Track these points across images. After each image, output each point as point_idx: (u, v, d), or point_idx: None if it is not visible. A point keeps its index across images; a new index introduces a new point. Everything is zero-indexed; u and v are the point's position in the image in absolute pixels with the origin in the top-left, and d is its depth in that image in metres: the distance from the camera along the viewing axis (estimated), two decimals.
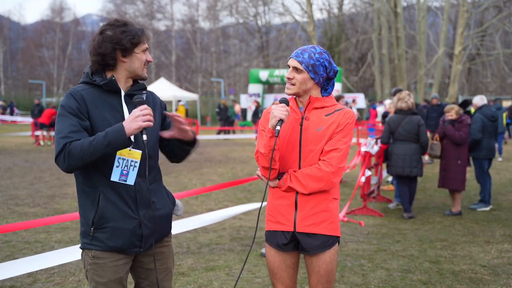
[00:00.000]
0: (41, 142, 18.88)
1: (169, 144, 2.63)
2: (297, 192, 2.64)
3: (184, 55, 54.37)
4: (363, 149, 7.91)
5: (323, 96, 2.72)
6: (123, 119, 2.41)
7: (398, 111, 7.36)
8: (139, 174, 2.43)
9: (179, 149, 2.65)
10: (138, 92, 2.52)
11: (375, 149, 7.96)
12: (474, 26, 35.26)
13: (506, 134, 18.79)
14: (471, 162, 8.11)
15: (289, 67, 2.67)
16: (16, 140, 21.31)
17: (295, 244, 2.70)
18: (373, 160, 8.61)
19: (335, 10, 45.36)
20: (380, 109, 21.92)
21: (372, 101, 29.80)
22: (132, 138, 2.36)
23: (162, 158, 2.68)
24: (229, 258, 5.32)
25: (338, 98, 9.24)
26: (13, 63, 61.72)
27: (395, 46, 30.08)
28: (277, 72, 29.53)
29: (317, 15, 75.48)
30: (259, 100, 27.74)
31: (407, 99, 7.28)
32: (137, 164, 2.43)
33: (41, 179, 10.42)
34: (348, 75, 41.32)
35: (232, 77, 50.23)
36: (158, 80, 31.61)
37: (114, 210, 2.38)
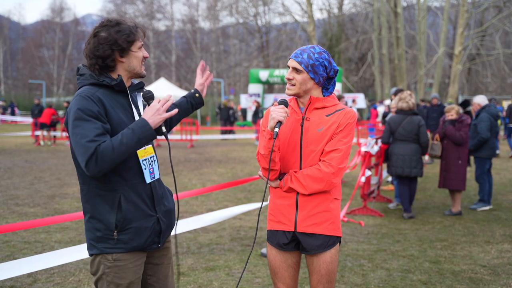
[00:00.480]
0: (41, 142, 18.89)
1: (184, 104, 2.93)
2: (297, 192, 2.65)
3: (184, 55, 54.37)
4: (363, 149, 7.91)
5: (324, 95, 2.72)
6: (133, 118, 2.45)
7: (399, 111, 7.36)
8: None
9: (189, 107, 2.95)
10: (138, 91, 2.56)
11: (375, 149, 7.96)
12: (474, 26, 35.26)
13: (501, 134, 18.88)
14: (472, 162, 8.11)
15: (289, 68, 2.67)
16: (16, 140, 21.32)
17: (296, 244, 2.71)
18: (373, 160, 8.61)
19: (335, 10, 45.42)
20: (380, 109, 21.95)
21: (373, 101, 29.81)
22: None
23: (161, 158, 2.70)
24: (229, 258, 5.32)
25: (339, 98, 9.24)
26: (13, 63, 61.71)
27: (395, 46, 30.08)
28: (277, 72, 29.55)
29: (317, 15, 75.56)
30: (259, 100, 27.76)
31: (408, 99, 7.27)
32: (155, 157, 2.54)
33: (41, 179, 10.42)
34: (348, 75, 41.33)
35: (232, 77, 50.24)
36: (158, 80, 31.61)
37: (134, 210, 2.40)
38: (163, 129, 2.44)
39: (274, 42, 46.42)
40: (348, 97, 30.01)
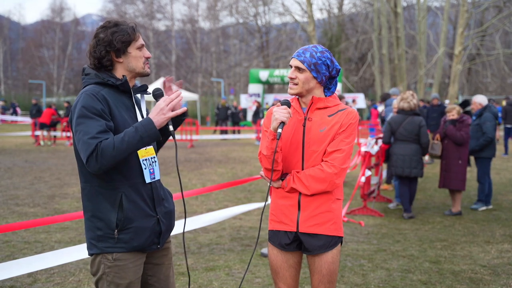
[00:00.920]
0: (41, 142, 18.88)
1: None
2: (300, 193, 2.65)
3: (184, 55, 54.37)
4: (363, 149, 7.91)
5: (326, 95, 2.71)
6: (136, 118, 2.47)
7: (400, 111, 7.35)
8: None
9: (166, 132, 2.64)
10: (141, 93, 2.57)
11: (375, 149, 7.96)
12: (474, 26, 35.25)
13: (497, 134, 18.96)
14: (472, 162, 8.09)
15: (291, 67, 2.67)
16: (16, 140, 21.31)
17: (298, 244, 2.71)
18: (373, 160, 8.61)
19: (335, 10, 45.41)
20: (380, 109, 21.93)
21: (374, 101, 29.80)
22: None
23: (161, 159, 2.70)
24: (229, 258, 5.32)
25: (340, 99, 9.23)
26: (13, 63, 61.71)
27: (395, 46, 30.07)
28: (277, 72, 29.55)
29: (317, 15, 75.55)
30: (259, 100, 27.76)
31: (410, 99, 7.25)
32: (156, 159, 2.53)
33: (41, 179, 10.42)
34: (348, 75, 41.32)
35: (232, 77, 50.23)
36: (158, 80, 31.64)
37: (135, 210, 2.40)
38: (171, 127, 2.44)
39: (274, 42, 46.41)
40: (348, 97, 30.01)
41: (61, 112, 24.89)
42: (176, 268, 4.92)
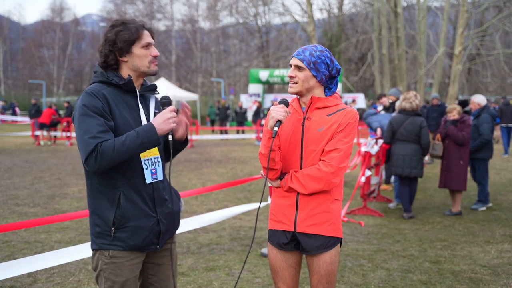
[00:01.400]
0: (41, 142, 18.88)
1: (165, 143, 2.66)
2: (298, 192, 2.64)
3: (184, 55, 54.37)
4: (363, 149, 7.91)
5: (326, 95, 2.71)
6: (139, 118, 2.47)
7: (402, 110, 7.34)
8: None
9: (174, 148, 2.64)
10: (150, 92, 2.57)
11: (375, 149, 7.96)
12: (474, 26, 35.24)
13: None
14: (472, 162, 8.07)
15: (291, 67, 2.67)
16: (16, 140, 21.31)
17: (296, 243, 2.70)
18: (373, 160, 8.61)
19: (335, 10, 45.42)
20: (380, 109, 21.92)
21: (373, 102, 29.81)
22: None
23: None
24: (229, 258, 5.32)
25: None
26: (13, 63, 61.71)
27: (395, 46, 30.06)
28: (277, 72, 29.55)
29: (317, 15, 75.52)
30: (259, 99, 27.75)
31: (412, 99, 7.24)
32: (159, 159, 2.52)
33: (41, 179, 10.42)
34: (348, 75, 41.32)
35: (232, 77, 50.24)
36: (158, 80, 31.64)
37: (134, 209, 2.41)
38: (170, 137, 2.45)
39: (274, 42, 46.41)
40: (348, 97, 30.01)
41: (61, 112, 24.87)
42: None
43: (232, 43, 52.32)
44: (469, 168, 8.05)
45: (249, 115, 27.29)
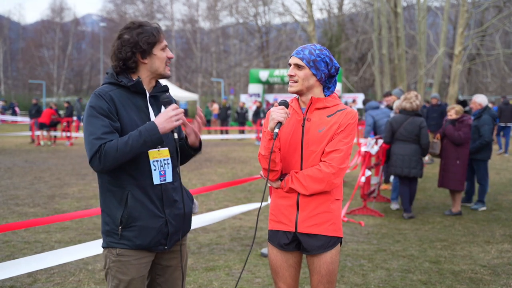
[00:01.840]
0: (41, 142, 18.88)
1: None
2: (298, 193, 2.64)
3: (184, 55, 54.37)
4: (363, 149, 7.91)
5: (325, 95, 2.71)
6: (149, 119, 2.47)
7: (402, 110, 7.34)
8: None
9: (185, 153, 2.69)
10: (161, 93, 2.57)
11: (375, 149, 7.96)
12: (474, 26, 35.24)
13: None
14: (471, 163, 8.06)
15: (290, 66, 2.67)
16: (16, 140, 21.31)
17: (297, 244, 2.71)
18: (373, 160, 8.60)
19: (335, 10, 45.42)
20: (383, 107, 21.90)
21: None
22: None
23: None
24: (229, 258, 5.32)
25: None
26: (13, 63, 61.71)
27: (395, 46, 30.06)
28: (277, 72, 29.55)
29: (317, 15, 75.57)
30: (259, 99, 27.76)
31: (413, 100, 7.24)
32: (170, 161, 2.52)
33: (41, 179, 10.42)
34: (348, 75, 41.33)
35: (232, 77, 50.24)
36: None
37: (142, 209, 2.42)
38: (175, 135, 2.45)
39: (274, 42, 46.41)
40: (348, 97, 29.99)
41: (61, 112, 24.87)
42: None
43: (232, 43, 52.32)
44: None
45: (250, 115, 27.31)
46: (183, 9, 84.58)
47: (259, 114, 22.95)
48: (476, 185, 8.37)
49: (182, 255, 2.63)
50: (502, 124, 16.23)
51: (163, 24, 54.86)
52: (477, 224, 7.00)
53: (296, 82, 2.64)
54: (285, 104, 2.63)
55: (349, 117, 2.65)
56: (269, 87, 38.23)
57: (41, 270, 4.66)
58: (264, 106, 25.88)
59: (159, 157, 2.48)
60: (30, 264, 3.81)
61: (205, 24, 54.73)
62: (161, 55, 2.48)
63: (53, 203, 8.01)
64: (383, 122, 9.12)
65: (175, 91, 29.75)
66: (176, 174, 2.59)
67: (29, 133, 20.72)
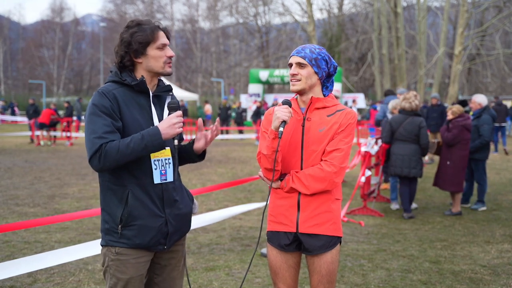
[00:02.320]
0: (41, 142, 18.88)
1: (181, 149, 2.69)
2: (299, 193, 2.64)
3: (184, 55, 54.39)
4: (363, 149, 7.91)
5: (324, 94, 2.73)
6: (151, 119, 2.48)
7: (401, 110, 7.35)
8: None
9: (187, 157, 2.69)
10: (164, 93, 2.57)
11: (375, 149, 7.96)
12: (474, 26, 35.25)
13: None
14: (470, 163, 8.05)
15: (290, 66, 2.67)
16: (16, 140, 21.31)
17: (297, 244, 2.70)
18: (373, 160, 8.60)
19: (335, 10, 45.45)
20: (380, 109, 21.92)
21: (373, 102, 29.84)
22: None
23: None
24: (229, 258, 5.32)
25: None
26: (13, 63, 61.73)
27: (395, 46, 30.08)
28: (277, 72, 29.55)
29: (317, 15, 75.59)
30: (259, 99, 27.74)
31: (412, 99, 7.24)
32: (171, 161, 2.52)
33: (41, 179, 10.42)
34: (348, 75, 41.35)
35: (232, 77, 50.25)
36: None
37: (142, 208, 2.42)
38: (175, 142, 2.45)
39: (274, 42, 46.43)
40: (349, 97, 30.00)
41: (61, 112, 24.88)
42: None
43: (232, 43, 52.33)
44: None
45: (249, 115, 27.30)
46: (183, 9, 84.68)
47: (259, 114, 22.94)
48: (475, 186, 8.36)
49: (180, 255, 2.63)
50: (497, 125, 16.33)
51: (163, 24, 54.94)
52: (477, 224, 7.00)
53: (299, 80, 2.65)
54: (288, 103, 2.63)
55: (349, 117, 2.66)
56: (269, 87, 38.23)
57: (41, 270, 4.66)
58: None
59: (161, 156, 2.48)
60: (30, 264, 3.81)
61: (205, 24, 54.80)
62: (155, 54, 2.45)
63: (53, 203, 8.01)
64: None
65: (175, 91, 29.62)
66: (177, 174, 2.60)
67: (29, 133, 20.71)
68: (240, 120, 24.51)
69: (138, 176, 2.42)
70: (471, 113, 8.33)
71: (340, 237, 2.72)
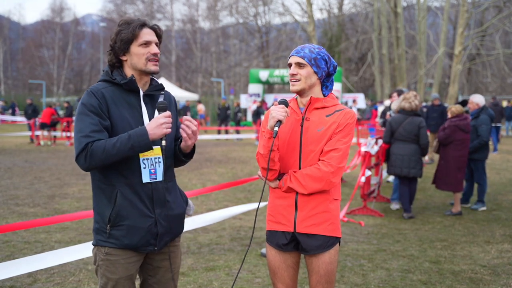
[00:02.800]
0: (41, 142, 18.88)
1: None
2: (297, 193, 2.64)
3: (184, 55, 54.37)
4: (363, 149, 7.91)
5: (324, 93, 2.72)
6: (141, 118, 2.46)
7: (401, 110, 7.35)
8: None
9: (175, 157, 2.66)
10: (156, 92, 2.56)
11: (375, 149, 7.96)
12: (474, 26, 35.25)
13: None
14: (469, 163, 8.05)
15: (290, 66, 2.67)
16: (16, 140, 21.31)
17: (295, 244, 2.70)
18: (373, 160, 8.60)
19: (335, 10, 45.41)
20: (380, 109, 21.92)
21: (374, 102, 29.84)
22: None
23: None
24: (229, 258, 5.32)
25: None
26: (13, 63, 61.70)
27: (395, 46, 30.07)
28: (277, 72, 29.55)
29: (317, 15, 75.60)
30: (259, 99, 27.74)
31: (412, 99, 7.25)
32: (161, 159, 2.50)
33: (41, 179, 10.42)
34: (348, 75, 41.34)
35: (232, 77, 50.22)
36: (158, 80, 31.59)
37: (131, 208, 2.40)
38: (163, 142, 2.40)
39: (274, 42, 46.41)
40: (349, 97, 29.99)
41: (61, 112, 24.88)
42: None
43: (232, 43, 52.30)
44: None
45: (249, 115, 27.30)
46: (183, 9, 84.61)
47: (259, 114, 22.93)
48: (475, 186, 8.36)
49: (170, 257, 2.59)
50: (493, 125, 16.42)
51: (163, 24, 54.91)
52: (477, 224, 7.00)
53: (299, 80, 2.64)
54: (284, 103, 2.63)
55: (347, 117, 2.65)
56: (269, 87, 38.23)
57: (41, 270, 4.66)
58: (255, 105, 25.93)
59: (150, 155, 2.45)
60: (30, 264, 3.81)
61: (205, 24, 54.75)
62: (138, 52, 2.44)
63: (53, 203, 8.01)
64: None
65: (175, 91, 29.74)
66: (170, 174, 2.57)
67: (29, 133, 20.72)
68: (235, 120, 24.49)
69: (127, 175, 2.40)
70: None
71: (338, 238, 2.72)
